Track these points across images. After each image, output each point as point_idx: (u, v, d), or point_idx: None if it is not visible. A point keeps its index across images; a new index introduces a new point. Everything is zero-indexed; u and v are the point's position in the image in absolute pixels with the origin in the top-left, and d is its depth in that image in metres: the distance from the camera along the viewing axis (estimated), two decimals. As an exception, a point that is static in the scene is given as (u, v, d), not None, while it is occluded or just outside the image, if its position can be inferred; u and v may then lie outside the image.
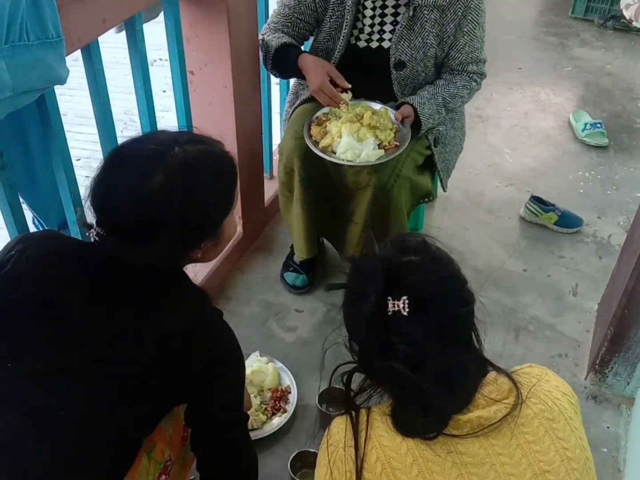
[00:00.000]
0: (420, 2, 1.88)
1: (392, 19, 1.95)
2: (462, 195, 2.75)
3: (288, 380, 1.92)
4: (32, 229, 1.59)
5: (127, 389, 1.08)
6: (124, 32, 1.67)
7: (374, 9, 1.95)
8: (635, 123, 3.28)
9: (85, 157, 3.02)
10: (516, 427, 1.02)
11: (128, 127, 3.35)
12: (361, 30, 1.98)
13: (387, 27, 1.96)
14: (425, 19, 1.91)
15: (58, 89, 1.37)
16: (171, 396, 1.14)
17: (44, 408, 1.08)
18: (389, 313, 1.01)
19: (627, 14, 3.54)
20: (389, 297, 1.01)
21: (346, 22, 1.95)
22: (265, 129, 2.42)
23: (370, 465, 1.01)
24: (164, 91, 3.47)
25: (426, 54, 1.96)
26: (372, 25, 1.96)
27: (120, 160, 1.13)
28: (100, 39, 1.50)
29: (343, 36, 1.98)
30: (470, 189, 2.79)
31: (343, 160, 1.86)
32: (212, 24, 1.90)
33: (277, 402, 1.85)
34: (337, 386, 1.20)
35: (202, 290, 1.21)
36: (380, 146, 1.89)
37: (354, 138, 1.88)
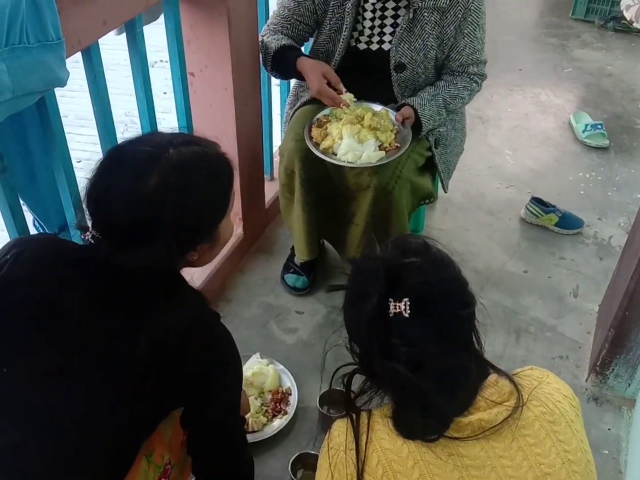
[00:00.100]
0: (420, 4, 1.87)
1: (392, 21, 1.95)
2: (463, 197, 2.75)
3: (289, 382, 1.92)
4: (32, 231, 1.59)
5: (126, 389, 1.08)
6: (124, 34, 1.67)
7: (373, 11, 1.94)
8: (636, 124, 3.28)
9: (86, 158, 3.02)
10: (517, 430, 1.01)
11: (129, 129, 3.35)
12: (361, 33, 1.98)
13: (387, 29, 1.96)
14: (425, 21, 1.90)
15: (58, 91, 1.37)
16: (169, 398, 1.14)
17: (43, 408, 1.08)
18: (390, 315, 1.01)
19: (628, 15, 3.54)
20: (390, 299, 1.01)
21: (346, 25, 1.95)
22: (265, 130, 2.42)
23: (372, 468, 1.01)
24: (165, 93, 3.47)
25: (426, 56, 1.96)
26: (372, 28, 1.96)
27: (115, 163, 1.13)
28: (100, 40, 1.50)
29: (343, 38, 1.98)
30: (470, 190, 2.79)
31: (344, 161, 1.86)
32: (213, 26, 1.90)
33: (277, 404, 1.85)
34: (338, 388, 1.20)
35: (199, 293, 1.21)
36: (381, 147, 1.89)
37: (355, 139, 1.87)
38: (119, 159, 1.14)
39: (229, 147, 2.14)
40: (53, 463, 1.07)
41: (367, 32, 1.97)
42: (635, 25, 3.55)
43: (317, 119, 1.98)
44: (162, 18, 1.82)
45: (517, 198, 2.74)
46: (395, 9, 1.93)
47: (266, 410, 1.84)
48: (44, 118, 1.42)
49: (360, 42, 2.00)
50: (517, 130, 3.22)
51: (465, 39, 1.95)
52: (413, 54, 1.94)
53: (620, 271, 2.04)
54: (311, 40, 2.13)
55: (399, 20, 1.94)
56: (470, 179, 2.84)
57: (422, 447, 1.01)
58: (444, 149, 2.14)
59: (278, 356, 2.00)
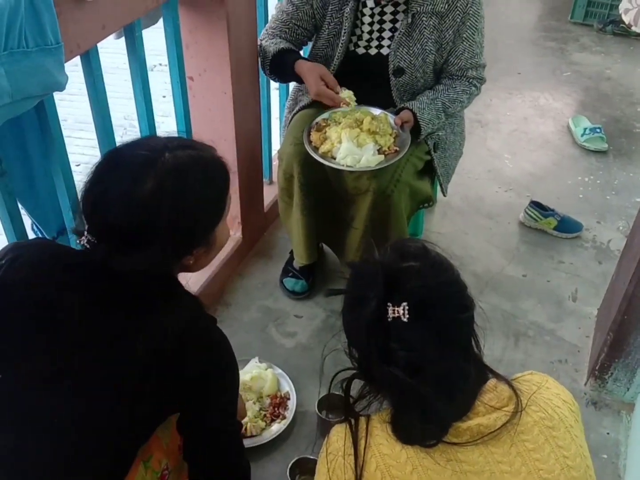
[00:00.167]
0: (418, 8, 1.88)
1: (391, 25, 1.95)
2: (462, 200, 2.75)
3: (287, 386, 1.91)
4: (30, 235, 1.58)
5: (125, 390, 1.08)
6: (123, 38, 1.67)
7: (372, 15, 1.94)
8: (635, 128, 3.28)
9: (85, 162, 3.02)
10: (516, 435, 1.01)
11: (128, 132, 3.35)
12: (360, 37, 1.98)
13: (386, 34, 1.96)
14: (424, 25, 1.90)
15: (58, 95, 1.37)
16: (168, 400, 1.14)
17: (43, 409, 1.08)
18: (389, 319, 1.01)
19: (627, 18, 3.55)
20: (389, 303, 1.01)
21: (344, 29, 1.95)
22: (264, 134, 2.42)
23: (370, 473, 1.01)
24: (164, 96, 3.47)
25: (425, 60, 1.96)
26: (370, 32, 1.96)
27: (111, 167, 1.13)
28: (99, 44, 1.50)
29: (342, 43, 1.98)
30: (470, 194, 2.79)
31: (343, 165, 1.86)
32: (212, 31, 1.91)
33: (276, 409, 1.85)
34: (337, 392, 1.20)
35: (195, 297, 1.21)
36: (380, 151, 1.90)
37: (354, 143, 1.88)
38: (114, 163, 1.14)
39: (228, 150, 2.14)
40: (53, 463, 1.07)
41: (366, 36, 1.97)
42: (634, 28, 3.55)
43: (316, 123, 1.98)
44: (161, 22, 1.83)
45: (516, 202, 2.74)
46: (394, 13, 1.94)
47: (265, 415, 1.84)
48: (43, 122, 1.41)
49: (358, 46, 2.00)
50: (516, 134, 3.22)
51: (464, 43, 1.95)
52: (412, 59, 1.94)
53: (619, 275, 2.04)
54: (310, 44, 2.13)
55: (397, 25, 1.94)
56: (469, 182, 2.84)
57: (420, 452, 1.01)
58: (443, 153, 2.14)
59: (277, 360, 2.00)
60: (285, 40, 2.02)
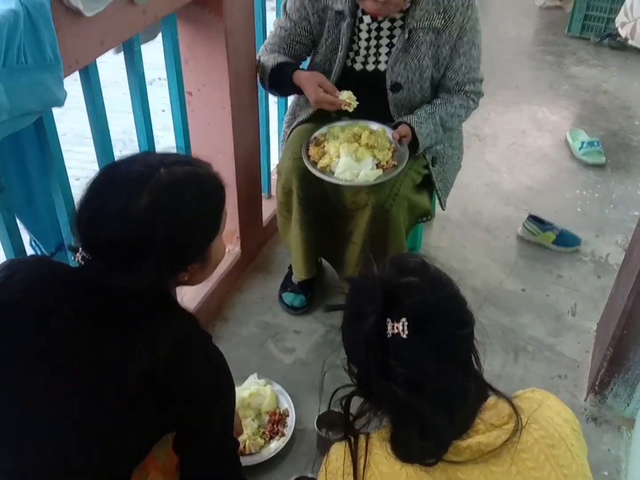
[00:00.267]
0: (415, 24, 1.88)
1: (388, 41, 1.95)
2: (460, 214, 2.75)
3: (286, 403, 1.90)
4: (29, 251, 1.58)
5: (119, 408, 1.07)
6: (122, 53, 1.67)
7: (369, 31, 1.95)
8: (632, 141, 3.29)
9: (85, 176, 2.98)
10: (516, 454, 1.01)
11: (127, 147, 3.35)
12: (357, 53, 1.99)
13: (383, 50, 1.97)
14: (421, 41, 1.91)
15: (57, 109, 1.36)
16: (162, 419, 1.13)
17: (35, 428, 1.07)
18: (388, 335, 1.01)
19: (623, 32, 3.57)
20: (388, 319, 1.01)
21: (341, 45, 1.95)
22: (263, 149, 2.42)
23: (369, 492, 1.00)
24: (163, 110, 3.47)
25: (422, 75, 1.96)
26: (367, 48, 1.96)
27: (106, 183, 1.13)
28: (98, 58, 1.50)
29: (339, 59, 1.98)
30: (468, 208, 2.79)
31: (341, 180, 1.86)
32: (210, 46, 1.91)
33: (275, 426, 1.83)
34: (336, 409, 1.19)
35: (190, 314, 1.21)
36: (378, 166, 1.90)
37: (352, 158, 1.88)
38: (110, 179, 1.14)
39: (227, 165, 2.14)
40: None
41: (363, 52, 1.98)
42: (630, 42, 3.58)
43: (315, 138, 1.99)
44: (160, 36, 1.83)
45: (514, 215, 2.74)
46: (391, 29, 1.94)
47: (263, 432, 1.82)
48: (42, 138, 1.41)
49: (356, 62, 2.00)
50: (514, 147, 3.23)
51: (461, 58, 1.96)
52: (409, 74, 1.95)
53: (617, 289, 2.04)
54: (308, 59, 2.13)
55: (394, 41, 1.95)
56: (467, 196, 2.84)
57: (420, 471, 1.00)
58: (441, 167, 2.14)
59: (275, 376, 1.99)
60: (284, 55, 2.03)
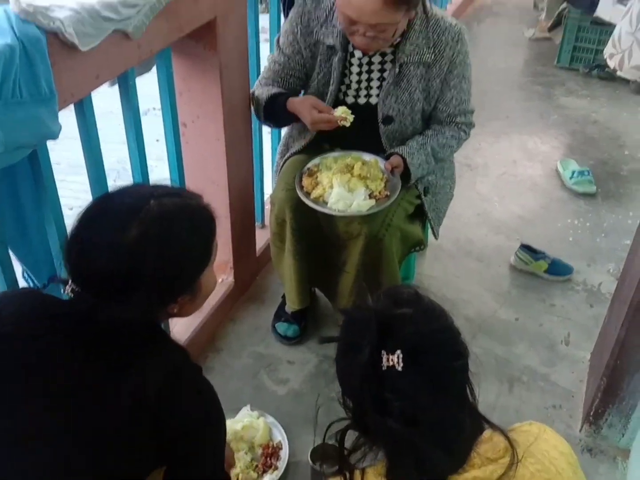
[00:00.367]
0: (405, 59, 1.90)
1: (379, 74, 1.97)
2: (453, 244, 2.76)
3: (279, 435, 1.88)
4: (21, 283, 1.58)
5: (107, 442, 1.06)
6: (117, 85, 1.69)
7: (360, 65, 1.96)
8: (622, 170, 3.32)
9: (78, 206, 2.98)
10: (512, 488, 1.00)
11: (121, 176, 3.36)
12: (349, 87, 2.00)
13: (374, 83, 1.98)
14: (412, 75, 1.93)
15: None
16: (151, 453, 1.12)
17: (23, 461, 1.06)
18: (383, 368, 1.00)
19: (612, 63, 3.63)
20: (383, 351, 1.01)
21: (333, 79, 1.97)
22: (256, 178, 2.44)
23: (364, 529, 0.99)
24: (157, 140, 3.47)
25: (413, 108, 1.98)
26: (359, 82, 1.98)
27: (96, 215, 1.14)
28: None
29: (331, 92, 1.99)
30: (460, 237, 2.81)
31: (335, 210, 1.87)
32: (205, 79, 1.93)
33: (268, 459, 1.81)
34: (331, 442, 1.18)
35: (180, 346, 1.21)
36: (371, 196, 1.91)
37: (345, 188, 1.89)
38: (100, 211, 1.14)
39: (221, 195, 2.15)
40: None
41: (355, 86, 1.99)
42: (619, 73, 3.63)
43: (308, 169, 2.00)
44: (155, 68, 1.85)
45: (506, 245, 2.75)
46: (382, 63, 1.96)
47: (256, 466, 1.80)
48: (36, 170, 1.42)
49: (347, 95, 2.02)
50: (505, 177, 3.25)
51: (452, 90, 1.98)
52: (400, 107, 1.97)
53: (610, 319, 2.04)
54: (302, 93, 2.15)
55: (385, 75, 1.96)
56: (459, 225, 2.85)
57: (416, 506, 0.99)
58: (434, 197, 2.16)
59: (269, 408, 1.97)
60: (278, 87, 2.04)
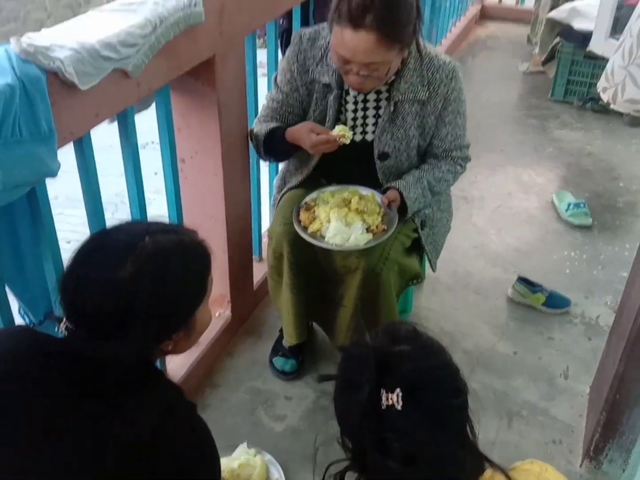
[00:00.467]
0: (400, 97, 1.92)
1: (374, 112, 1.99)
2: (450, 276, 2.77)
3: (277, 473, 1.86)
4: (17, 319, 1.57)
5: None
6: (116, 122, 1.70)
7: (355, 103, 1.98)
8: (618, 202, 3.34)
9: (76, 239, 2.99)
10: (513, 529, 0.99)
11: (119, 210, 3.36)
12: (344, 124, 2.00)
13: (370, 121, 2.00)
14: (407, 112, 1.95)
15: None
16: None
17: None
18: (383, 407, 1.00)
19: (605, 97, 3.66)
20: (382, 390, 1.00)
21: (329, 117, 1.98)
22: (254, 212, 2.45)
23: None
24: (156, 173, 3.48)
25: (409, 144, 2.00)
26: (354, 119, 1.99)
27: (91, 252, 1.14)
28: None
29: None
30: (457, 270, 2.81)
31: (332, 244, 1.87)
32: (203, 115, 1.95)
33: (265, 498, 1.79)
34: (329, 481, 1.17)
35: (174, 384, 1.20)
36: (368, 230, 1.91)
37: (343, 223, 1.90)
38: (95, 248, 1.15)
39: (218, 229, 2.16)
40: None
41: (350, 123, 2.00)
42: (612, 106, 3.67)
43: (305, 203, 2.01)
44: (154, 105, 1.87)
45: (503, 277, 2.75)
46: (377, 100, 1.98)
47: (254, 505, 1.78)
48: (34, 208, 1.42)
49: (341, 142, 2.03)
50: (501, 209, 3.27)
51: (447, 126, 2.00)
52: (396, 144, 1.99)
53: (608, 353, 2.04)
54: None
55: (380, 112, 1.98)
56: (457, 258, 2.86)
57: None
58: (431, 230, 2.17)
59: (266, 445, 1.95)
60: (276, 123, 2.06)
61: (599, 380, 2.09)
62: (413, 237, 2.11)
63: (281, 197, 2.16)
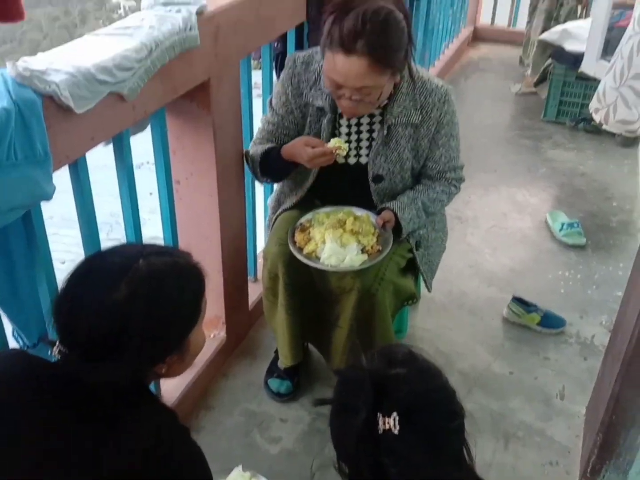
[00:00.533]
0: (393, 120, 1.94)
1: (368, 135, 2.01)
2: (445, 296, 2.77)
3: (272, 496, 1.84)
4: (11, 342, 1.57)
5: None
6: (112, 145, 1.71)
7: (349, 126, 1.99)
8: (611, 222, 3.36)
9: (70, 259, 3.01)
10: None
11: (113, 230, 3.36)
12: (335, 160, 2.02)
13: (364, 144, 2.01)
14: (400, 135, 1.96)
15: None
16: None
17: None
18: (380, 431, 1.00)
19: (597, 117, 3.70)
20: (379, 414, 1.00)
21: (323, 140, 1.98)
22: (249, 232, 2.45)
23: None
24: (151, 193, 3.49)
25: (403, 167, 2.01)
26: (348, 142, 1.99)
27: (85, 275, 1.14)
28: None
29: None
30: (453, 290, 2.81)
31: (327, 265, 1.87)
32: (199, 137, 1.97)
33: (260, 523, 1.77)
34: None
35: (167, 407, 1.20)
36: (363, 251, 1.92)
37: (338, 243, 1.90)
38: (89, 271, 1.14)
39: (213, 250, 2.16)
40: None
41: (341, 160, 2.00)
42: (604, 127, 3.71)
43: (300, 224, 2.02)
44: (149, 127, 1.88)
45: (499, 297, 2.75)
46: (370, 124, 1.99)
47: (249, 530, 1.76)
48: (29, 230, 1.43)
49: (338, 155, 2.05)
50: (495, 229, 3.28)
51: (441, 149, 2.01)
52: (390, 166, 2.00)
53: (604, 373, 2.03)
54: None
55: (374, 135, 2.00)
56: (452, 278, 2.86)
57: None
58: (426, 250, 2.17)
59: (261, 468, 1.90)
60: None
61: (594, 401, 2.09)
62: (408, 258, 2.11)
63: (276, 218, 2.17)
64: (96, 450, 1.05)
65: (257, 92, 2.55)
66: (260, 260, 2.47)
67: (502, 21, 5.88)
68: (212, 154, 1.97)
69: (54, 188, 1.35)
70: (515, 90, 4.89)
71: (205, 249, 2.13)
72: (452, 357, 2.43)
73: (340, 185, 1.97)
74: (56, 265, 1.55)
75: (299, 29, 2.50)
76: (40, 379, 1.12)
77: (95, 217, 1.64)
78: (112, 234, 3.42)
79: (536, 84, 4.59)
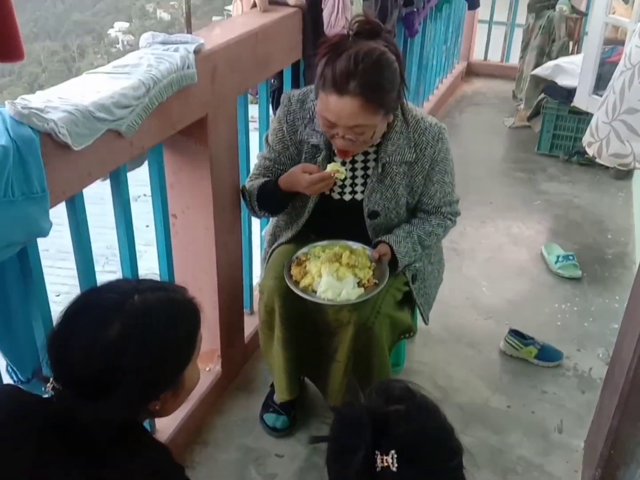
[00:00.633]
0: (388, 158, 1.96)
1: (363, 172, 2.02)
2: (442, 329, 2.76)
3: (268, 535, 1.82)
4: (4, 377, 1.55)
5: None
6: (109, 180, 1.72)
7: (344, 163, 2.01)
8: (607, 254, 3.37)
9: (65, 292, 3.01)
10: None
11: (109, 262, 3.36)
12: (334, 184, 2.02)
13: (359, 180, 2.03)
14: (395, 173, 1.98)
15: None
16: None
17: None
18: (378, 469, 0.99)
19: (590, 151, 3.72)
20: (377, 452, 0.99)
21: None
22: (245, 265, 2.45)
23: None
24: (147, 226, 3.50)
25: (398, 203, 2.02)
26: (343, 179, 2.00)
27: (79, 311, 1.13)
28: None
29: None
30: (449, 322, 2.80)
31: (324, 299, 1.87)
32: (195, 171, 1.98)
33: None
34: None
35: (162, 445, 1.19)
36: (359, 284, 1.92)
37: (334, 277, 1.90)
38: (83, 307, 1.14)
39: (209, 283, 2.16)
40: None
41: (339, 183, 2.02)
42: (598, 160, 3.74)
43: (297, 257, 2.02)
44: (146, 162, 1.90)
45: (496, 330, 2.75)
46: (365, 161, 2.02)
47: None
48: (24, 266, 1.42)
49: (333, 191, 2.05)
50: (492, 261, 3.29)
51: (435, 185, 2.03)
52: (385, 202, 2.01)
53: (602, 407, 2.02)
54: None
55: (369, 172, 2.01)
56: (448, 310, 2.85)
57: None
58: (422, 283, 2.17)
59: (257, 505, 1.91)
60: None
61: (593, 435, 2.07)
62: (404, 291, 2.12)
63: (272, 252, 2.17)
64: None
65: (253, 125, 2.57)
66: (256, 293, 2.47)
67: (495, 57, 5.98)
68: (208, 188, 1.98)
69: (51, 224, 1.35)
70: (509, 124, 4.94)
71: (201, 281, 2.14)
72: (450, 391, 2.41)
73: (335, 221, 1.97)
74: (51, 297, 1.55)
75: (295, 66, 2.54)
76: (32, 415, 1.10)
77: (91, 250, 1.64)
78: (107, 266, 3.42)
79: (529, 118, 4.64)
